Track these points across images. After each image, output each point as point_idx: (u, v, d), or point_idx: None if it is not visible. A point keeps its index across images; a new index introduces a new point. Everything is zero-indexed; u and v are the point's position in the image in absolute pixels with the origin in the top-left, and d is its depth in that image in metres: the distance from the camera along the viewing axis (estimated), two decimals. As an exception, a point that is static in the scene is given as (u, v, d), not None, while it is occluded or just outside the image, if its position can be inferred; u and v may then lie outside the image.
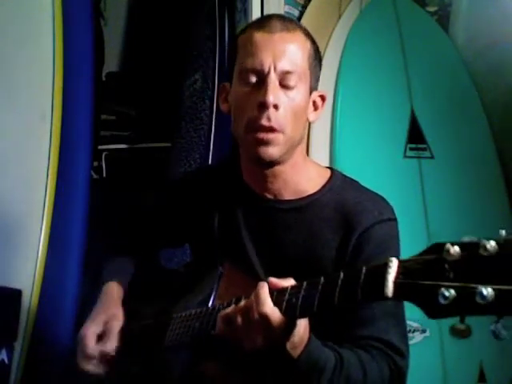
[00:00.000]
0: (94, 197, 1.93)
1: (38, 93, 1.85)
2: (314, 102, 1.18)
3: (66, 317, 1.78)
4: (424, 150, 2.27)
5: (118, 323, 1.21)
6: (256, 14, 2.17)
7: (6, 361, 1.72)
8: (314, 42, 1.16)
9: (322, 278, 0.87)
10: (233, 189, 1.23)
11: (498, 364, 2.10)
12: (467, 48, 2.45)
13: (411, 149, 2.26)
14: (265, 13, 2.17)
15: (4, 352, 1.72)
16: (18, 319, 1.74)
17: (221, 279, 1.13)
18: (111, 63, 3.13)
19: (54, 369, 1.75)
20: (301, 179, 1.18)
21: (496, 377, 2.10)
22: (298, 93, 1.11)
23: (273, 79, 1.08)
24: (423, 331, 1.97)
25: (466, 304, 0.67)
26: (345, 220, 1.14)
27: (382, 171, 2.18)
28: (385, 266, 0.77)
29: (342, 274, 0.85)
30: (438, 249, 0.72)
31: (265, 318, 0.90)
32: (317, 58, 1.16)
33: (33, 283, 1.76)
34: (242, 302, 0.94)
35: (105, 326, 1.20)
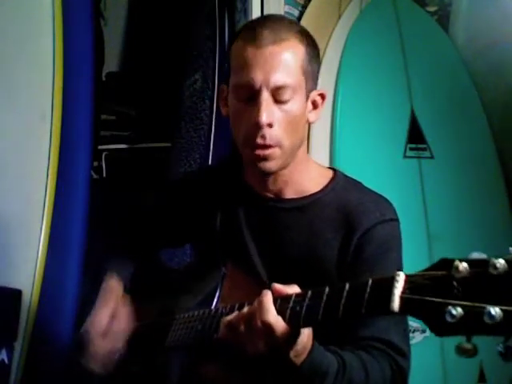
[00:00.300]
0: (94, 197, 1.93)
1: (38, 93, 1.85)
2: (314, 101, 1.16)
3: (65, 317, 1.78)
4: (424, 149, 2.27)
5: (125, 307, 1.22)
6: (256, 13, 2.17)
7: (6, 361, 1.72)
8: (309, 42, 1.12)
9: (327, 289, 0.86)
10: (234, 188, 1.23)
11: (497, 364, 2.09)
12: (467, 48, 2.45)
13: (411, 149, 2.26)
14: (265, 13, 2.17)
15: (4, 352, 1.72)
16: (18, 319, 1.74)
17: (224, 280, 1.12)
18: (111, 63, 3.13)
19: (54, 369, 1.75)
20: (303, 179, 1.18)
21: (496, 377, 2.10)
22: (294, 104, 1.09)
23: (265, 97, 1.06)
24: (423, 331, 1.97)
25: (474, 323, 0.66)
26: (347, 220, 1.13)
27: (382, 171, 2.18)
28: (392, 280, 0.76)
29: (347, 286, 0.83)
30: (446, 265, 0.71)
31: (268, 326, 0.89)
32: (313, 59, 1.13)
33: (33, 283, 1.76)
34: (246, 309, 0.93)
35: (115, 310, 1.21)
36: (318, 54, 1.16)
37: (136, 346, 1.22)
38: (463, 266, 0.69)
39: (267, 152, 1.09)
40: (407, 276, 0.76)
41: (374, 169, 2.15)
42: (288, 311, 0.89)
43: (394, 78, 2.31)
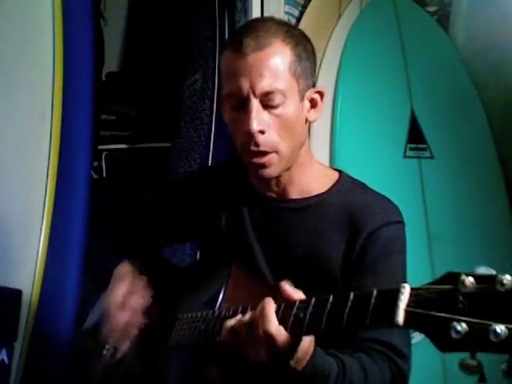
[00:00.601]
0: (94, 197, 1.93)
1: (38, 93, 1.85)
2: (312, 100, 1.15)
3: (65, 317, 1.78)
4: (424, 150, 2.27)
5: (141, 284, 1.22)
6: (256, 13, 2.17)
7: (6, 361, 1.72)
8: (297, 42, 1.11)
9: (332, 297, 0.85)
10: (238, 189, 1.23)
11: (498, 364, 2.10)
12: (467, 48, 2.45)
13: (411, 149, 2.26)
14: (265, 13, 2.17)
15: (4, 352, 1.72)
16: (18, 319, 1.74)
17: (229, 281, 1.12)
18: (111, 63, 3.13)
19: (54, 369, 1.75)
20: (307, 179, 1.17)
21: (496, 377, 2.09)
22: (286, 107, 1.08)
23: (254, 104, 1.06)
24: (423, 331, 1.97)
25: (479, 340, 0.66)
26: (352, 222, 1.13)
27: (382, 171, 2.18)
28: (397, 293, 0.75)
29: (352, 295, 0.82)
30: (452, 279, 0.70)
31: (269, 336, 0.89)
32: (303, 58, 1.11)
33: (33, 283, 1.76)
34: (248, 315, 0.93)
35: (130, 288, 1.21)
36: (312, 51, 1.14)
37: (139, 346, 1.22)
38: (470, 280, 0.68)
39: (263, 159, 1.09)
40: (412, 289, 0.75)
41: (374, 169, 2.15)
42: (291, 318, 0.88)
43: (394, 78, 2.31)
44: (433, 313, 0.70)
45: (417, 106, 2.28)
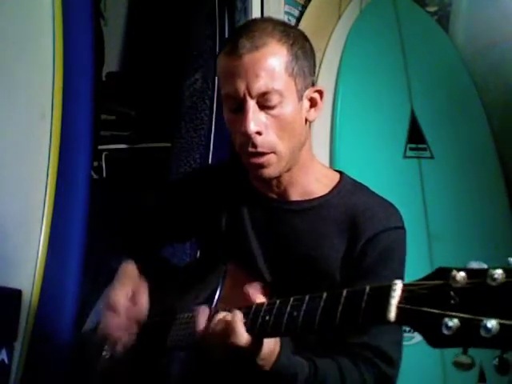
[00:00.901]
0: (94, 197, 1.93)
1: (38, 93, 1.85)
2: (311, 99, 1.14)
3: (66, 317, 1.78)
4: (424, 149, 2.27)
5: (144, 287, 1.21)
6: (256, 13, 2.17)
7: (6, 361, 1.72)
8: (294, 41, 1.10)
9: (325, 294, 0.86)
10: (239, 189, 1.23)
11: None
12: (467, 48, 2.45)
13: (411, 149, 2.26)
14: (265, 13, 2.17)
15: (4, 352, 1.72)
16: (18, 319, 1.74)
17: (225, 279, 1.12)
18: (111, 63, 3.13)
19: (54, 369, 1.75)
20: (308, 180, 1.17)
21: (496, 377, 2.09)
22: (283, 107, 1.08)
23: (250, 105, 1.06)
24: (423, 331, 1.97)
25: (470, 336, 0.66)
26: (352, 225, 1.12)
27: (382, 171, 2.18)
28: (389, 289, 0.75)
29: (345, 292, 0.83)
30: (443, 274, 0.70)
31: (238, 347, 0.92)
32: (301, 57, 1.10)
33: (33, 283, 1.76)
34: (219, 325, 0.95)
35: (134, 289, 1.21)
36: (310, 50, 1.14)
37: (137, 346, 1.22)
38: (461, 275, 0.68)
39: (261, 160, 1.09)
40: (404, 285, 0.75)
41: (374, 169, 2.15)
42: (285, 316, 0.89)
43: (394, 78, 2.31)
44: (424, 309, 0.70)
45: (417, 106, 2.28)
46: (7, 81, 1.85)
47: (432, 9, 2.57)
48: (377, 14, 2.37)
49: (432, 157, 2.27)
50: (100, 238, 1.63)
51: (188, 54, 2.44)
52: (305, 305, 0.87)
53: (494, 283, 0.65)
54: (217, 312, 0.99)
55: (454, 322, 0.67)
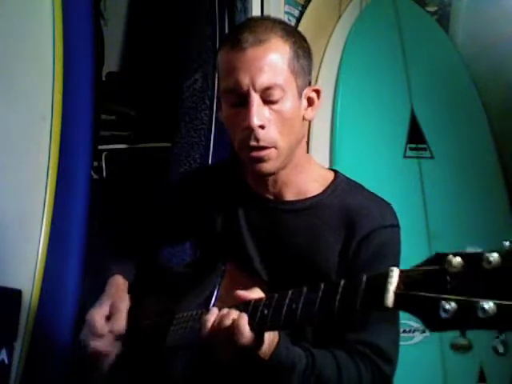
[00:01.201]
0: (94, 197, 1.93)
1: (38, 93, 1.85)
2: (309, 98, 1.15)
3: (66, 317, 1.78)
4: (424, 149, 2.27)
5: (124, 304, 1.22)
6: (256, 13, 2.17)
7: (6, 361, 1.72)
8: (295, 40, 1.11)
9: (323, 285, 0.87)
10: (235, 189, 1.23)
11: (497, 364, 2.10)
12: (467, 48, 2.45)
13: (411, 149, 2.26)
14: (265, 13, 2.17)
15: (4, 352, 1.72)
16: (18, 319, 1.74)
17: (223, 279, 1.13)
18: (111, 63, 3.13)
19: (54, 369, 1.75)
20: (303, 180, 1.18)
21: (496, 377, 2.10)
22: (284, 103, 1.09)
23: (254, 99, 1.06)
24: (423, 331, 1.96)
25: (467, 318, 0.67)
26: (347, 223, 1.13)
27: (382, 171, 2.18)
28: (386, 276, 0.76)
29: (342, 282, 0.84)
30: (439, 259, 0.71)
31: (243, 347, 0.94)
32: (301, 56, 1.11)
33: (33, 283, 1.75)
34: (226, 321, 0.96)
35: (112, 308, 1.21)
36: (308, 50, 1.15)
37: (137, 346, 1.22)
38: (457, 260, 0.69)
39: (263, 153, 1.09)
40: (401, 271, 0.76)
41: (374, 169, 2.15)
42: (284, 309, 0.90)
43: (394, 78, 2.31)
44: (421, 293, 0.71)
45: (417, 106, 2.28)
46: (7, 81, 1.85)
47: (432, 9, 2.57)
48: (377, 13, 2.37)
49: (432, 157, 2.27)
50: (100, 237, 1.63)
51: (188, 54, 2.44)
52: (303, 297, 0.88)
53: (489, 266, 0.66)
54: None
55: (451, 305, 0.67)
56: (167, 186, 1.77)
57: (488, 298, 0.65)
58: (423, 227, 2.17)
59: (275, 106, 1.08)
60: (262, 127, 1.07)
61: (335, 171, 1.23)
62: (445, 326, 0.69)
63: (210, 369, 1.10)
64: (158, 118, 2.89)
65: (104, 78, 2.94)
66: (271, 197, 1.19)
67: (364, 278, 0.81)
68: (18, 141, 1.84)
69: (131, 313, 1.23)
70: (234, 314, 0.96)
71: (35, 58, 1.87)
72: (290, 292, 0.91)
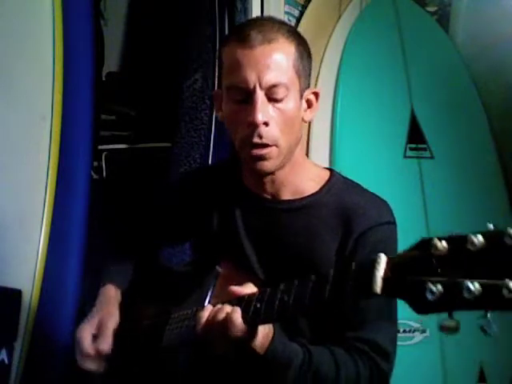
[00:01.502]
0: (94, 197, 1.93)
1: (38, 93, 1.85)
2: (308, 100, 1.17)
3: (66, 317, 1.78)
4: (424, 149, 2.27)
5: (112, 322, 1.22)
6: (256, 13, 2.17)
7: (6, 361, 1.72)
8: (299, 42, 1.13)
9: (313, 276, 0.89)
10: (231, 189, 1.24)
11: (498, 364, 2.10)
12: (467, 48, 2.45)
13: (411, 149, 2.26)
14: (265, 13, 2.17)
15: (4, 352, 1.72)
16: (18, 319, 1.74)
17: (218, 278, 1.13)
18: (111, 63, 3.13)
19: (54, 369, 1.75)
20: (300, 179, 1.18)
21: (496, 377, 2.10)
22: (288, 102, 1.10)
23: (259, 96, 1.07)
24: (423, 331, 1.96)
25: (453, 299, 0.68)
26: (344, 221, 1.14)
27: (382, 171, 2.18)
28: (373, 263, 0.78)
29: (332, 271, 0.86)
30: (426, 244, 0.73)
31: (237, 340, 0.95)
32: (304, 57, 1.13)
33: (33, 283, 1.76)
34: (219, 315, 0.97)
35: (99, 326, 1.21)
36: (309, 52, 1.17)
37: (135, 346, 1.22)
38: (442, 244, 0.71)
39: (264, 151, 1.10)
40: (389, 258, 0.78)
41: (374, 169, 2.15)
42: (276, 302, 0.91)
43: (394, 78, 2.31)
44: (408, 278, 0.73)
45: (417, 106, 2.28)
46: (7, 81, 1.85)
47: (432, 9, 2.57)
48: (377, 13, 2.37)
49: (432, 157, 2.27)
50: (100, 237, 1.63)
51: (188, 54, 2.44)
52: (294, 289, 0.90)
53: (474, 248, 0.68)
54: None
55: (437, 287, 0.69)
56: (167, 186, 1.77)
57: (473, 278, 0.67)
58: (423, 227, 2.17)
59: (279, 105, 1.09)
60: (266, 124, 1.08)
61: (331, 170, 1.23)
62: (432, 309, 0.70)
63: (208, 365, 1.10)
64: (157, 118, 2.89)
65: (104, 78, 2.94)
66: (268, 196, 1.19)
67: (353, 265, 0.83)
68: (18, 141, 1.84)
69: (128, 316, 1.24)
70: (228, 308, 0.97)
71: (35, 58, 1.87)
72: (281, 285, 0.92)
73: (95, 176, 2.69)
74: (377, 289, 0.76)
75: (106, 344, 1.19)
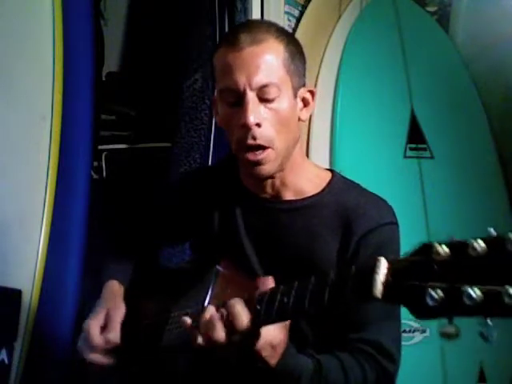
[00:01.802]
0: (94, 197, 1.93)
1: (38, 93, 1.85)
2: (304, 99, 1.16)
3: (66, 317, 1.78)
4: (424, 150, 2.27)
5: (119, 314, 1.21)
6: (256, 13, 2.17)
7: (6, 361, 1.72)
8: (289, 41, 1.13)
9: (313, 278, 0.88)
10: (232, 189, 1.23)
11: (498, 364, 2.10)
12: (467, 48, 2.45)
13: (411, 149, 2.26)
14: (265, 13, 2.17)
15: (4, 352, 1.72)
16: (18, 319, 1.74)
17: (218, 278, 1.13)
18: (111, 63, 3.13)
19: (54, 369, 1.75)
20: (300, 180, 1.18)
21: (496, 377, 2.10)
22: (281, 102, 1.10)
23: (250, 97, 1.07)
24: (423, 331, 1.96)
25: (454, 305, 0.67)
26: (345, 222, 1.13)
27: (382, 171, 2.18)
28: (374, 267, 0.77)
29: (332, 274, 0.85)
30: (426, 249, 0.72)
31: (241, 333, 0.93)
32: (295, 57, 1.13)
33: (33, 283, 1.76)
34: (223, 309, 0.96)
35: (107, 317, 1.20)
36: (302, 51, 1.16)
37: (136, 346, 1.22)
38: (443, 249, 0.70)
39: (260, 156, 1.10)
40: (389, 262, 0.77)
41: (374, 169, 2.15)
42: (276, 304, 0.91)
43: (394, 77, 2.31)
44: (409, 283, 0.72)
45: (417, 106, 2.28)
46: (7, 81, 1.85)
47: (432, 9, 2.57)
48: (377, 13, 2.37)
49: (432, 157, 2.27)
50: (100, 237, 1.63)
51: (188, 54, 2.44)
52: (294, 290, 0.89)
53: (475, 254, 0.67)
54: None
55: (437, 293, 0.68)
56: (167, 186, 1.77)
57: (474, 284, 0.66)
58: (423, 227, 2.17)
59: (271, 105, 1.09)
60: (258, 125, 1.08)
61: (332, 171, 1.23)
62: (432, 314, 0.70)
63: (208, 367, 1.10)
64: (157, 118, 2.89)
65: (104, 78, 2.94)
66: (268, 197, 1.19)
67: (353, 269, 0.82)
68: (18, 141, 1.84)
69: (130, 314, 1.23)
70: (232, 300, 0.96)
71: (35, 57, 1.87)
72: (281, 286, 0.92)
73: (95, 176, 2.69)
74: (377, 293, 0.76)
75: (115, 334, 1.18)
